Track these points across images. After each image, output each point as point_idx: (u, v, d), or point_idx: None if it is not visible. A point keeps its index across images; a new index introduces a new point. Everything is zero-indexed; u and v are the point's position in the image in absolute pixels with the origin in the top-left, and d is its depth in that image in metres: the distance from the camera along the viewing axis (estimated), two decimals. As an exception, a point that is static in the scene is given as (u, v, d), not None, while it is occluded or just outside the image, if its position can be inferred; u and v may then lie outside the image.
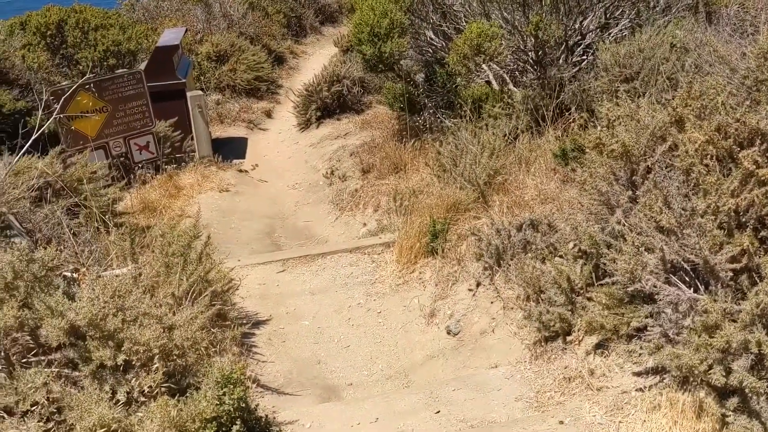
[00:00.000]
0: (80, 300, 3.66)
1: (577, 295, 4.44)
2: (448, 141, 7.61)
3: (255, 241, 7.80)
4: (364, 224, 7.54)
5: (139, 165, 9.14)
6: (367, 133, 10.31)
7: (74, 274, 4.39)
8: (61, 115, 8.54)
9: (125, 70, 9.99)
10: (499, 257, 5.07)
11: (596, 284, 4.35)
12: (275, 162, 10.50)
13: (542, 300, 4.61)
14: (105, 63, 11.00)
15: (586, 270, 4.36)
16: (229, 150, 10.67)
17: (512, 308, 4.84)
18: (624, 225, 4.06)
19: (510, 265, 4.99)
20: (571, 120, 7.80)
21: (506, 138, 7.28)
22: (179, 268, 4.73)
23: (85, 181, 6.14)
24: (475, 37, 7.74)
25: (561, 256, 4.79)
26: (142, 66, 9.83)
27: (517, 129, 7.44)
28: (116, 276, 4.51)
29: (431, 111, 9.25)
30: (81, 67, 11.18)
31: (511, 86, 9.15)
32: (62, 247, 4.66)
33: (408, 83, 9.39)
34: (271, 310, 5.54)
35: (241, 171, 9.81)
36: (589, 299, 4.25)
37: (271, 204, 9.06)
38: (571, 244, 4.86)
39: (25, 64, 10.37)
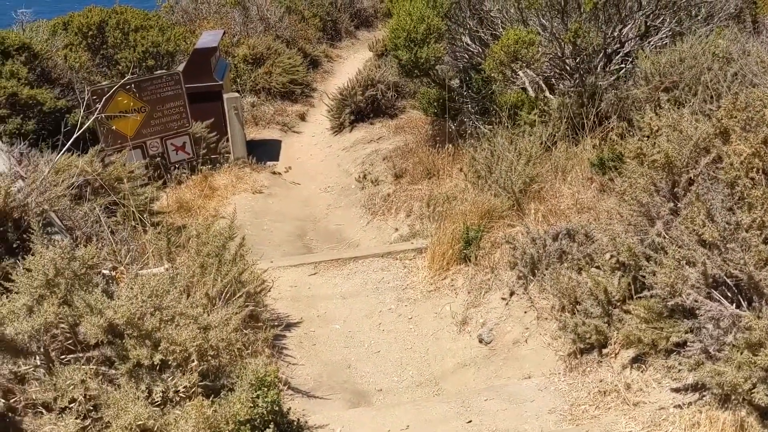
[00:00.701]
0: (119, 298, 3.67)
1: (614, 308, 4.36)
2: (483, 147, 7.56)
3: (287, 243, 7.82)
4: (396, 229, 7.52)
5: (175, 165, 9.23)
6: (400, 137, 10.29)
7: (112, 273, 4.43)
8: (102, 115, 8.67)
9: (164, 71, 10.08)
10: (533, 266, 5.01)
11: (634, 297, 4.27)
12: (308, 165, 10.53)
13: (578, 311, 4.53)
14: (144, 64, 11.15)
15: (624, 282, 4.27)
16: (263, 152, 10.72)
17: (546, 318, 4.77)
18: (665, 237, 3.98)
19: (545, 275, 4.92)
20: (609, 129, 7.70)
21: (542, 145, 7.21)
22: (214, 268, 4.74)
23: (123, 180, 6.20)
24: (512, 44, 7.68)
25: (598, 267, 4.72)
26: (181, 67, 9.92)
27: (554, 136, 7.35)
28: (153, 275, 4.54)
29: (466, 116, 9.19)
30: (120, 68, 11.35)
31: (547, 93, 9.07)
32: (101, 245, 4.70)
33: (443, 88, 9.35)
34: (302, 313, 5.54)
35: (274, 173, 9.85)
36: (627, 312, 4.17)
37: (303, 206, 9.08)
38: (608, 255, 4.78)
39: (67, 63, 10.53)
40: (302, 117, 12.53)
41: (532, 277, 5.02)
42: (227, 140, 9.81)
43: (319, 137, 11.66)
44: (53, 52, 10.54)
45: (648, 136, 4.46)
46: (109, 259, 4.69)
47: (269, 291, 5.67)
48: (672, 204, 4.13)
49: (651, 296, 3.99)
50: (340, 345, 5.20)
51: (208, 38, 10.68)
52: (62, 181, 5.12)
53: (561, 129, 7.77)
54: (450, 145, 8.48)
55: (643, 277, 4.10)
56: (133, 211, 5.79)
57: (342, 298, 5.76)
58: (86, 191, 6.01)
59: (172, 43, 11.59)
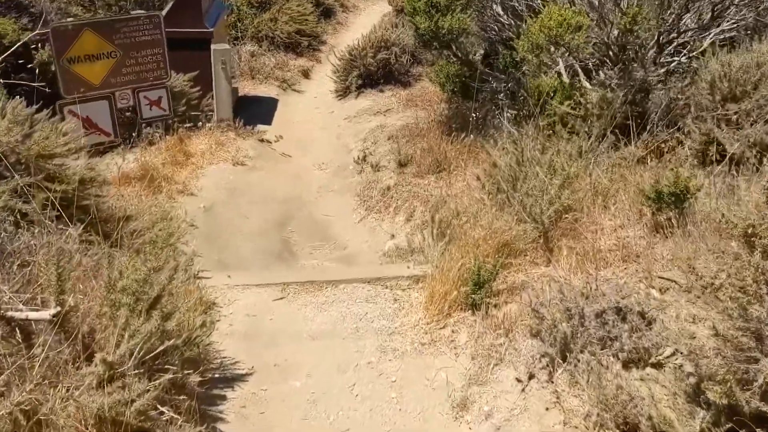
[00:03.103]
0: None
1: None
2: (507, 150, 6.03)
3: (262, 236, 6.36)
4: (392, 236, 6.05)
5: (148, 122, 7.70)
6: (410, 112, 8.72)
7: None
8: (63, 57, 7.11)
9: (142, 11, 8.42)
10: (564, 347, 3.55)
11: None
12: (304, 132, 8.98)
13: None
14: (129, 2, 9.47)
15: (708, 419, 2.83)
16: (255, 112, 9.16)
17: (577, 428, 3.35)
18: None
19: (579, 362, 3.47)
20: (662, 140, 6.14)
21: (582, 156, 5.68)
22: (122, 318, 3.29)
23: (51, 156, 4.70)
24: (554, 26, 6.05)
25: (656, 366, 3.28)
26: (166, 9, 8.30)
27: (597, 144, 5.80)
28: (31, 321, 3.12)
29: (489, 100, 7.60)
30: (104, 2, 9.70)
31: (583, 81, 7.47)
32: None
33: (466, 65, 7.73)
34: (255, 359, 4.13)
35: (262, 141, 8.31)
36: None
37: (290, 185, 7.58)
38: (668, 351, 3.33)
39: (39, -11, 8.89)
40: (306, 74, 10.90)
41: (560, 361, 3.57)
42: (212, 98, 8.24)
43: (322, 100, 10.06)
44: (24, -26, 8.88)
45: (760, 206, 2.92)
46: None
47: (216, 324, 4.25)
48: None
49: None
50: (297, 416, 3.79)
51: (202, -25, 8.99)
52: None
53: (599, 131, 6.22)
54: (467, 136, 6.93)
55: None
56: (51, 201, 4.32)
57: (311, 339, 4.34)
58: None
59: (166, -22, 9.87)
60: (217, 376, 3.94)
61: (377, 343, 4.33)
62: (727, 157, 5.74)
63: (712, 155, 5.89)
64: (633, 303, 3.49)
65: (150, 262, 3.43)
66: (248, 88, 10.02)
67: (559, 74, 7.77)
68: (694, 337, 3.26)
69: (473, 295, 4.32)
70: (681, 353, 3.29)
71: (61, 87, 7.16)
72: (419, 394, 3.93)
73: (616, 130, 6.40)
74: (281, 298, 4.72)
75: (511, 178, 5.23)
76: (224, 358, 4.09)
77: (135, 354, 3.24)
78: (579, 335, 3.52)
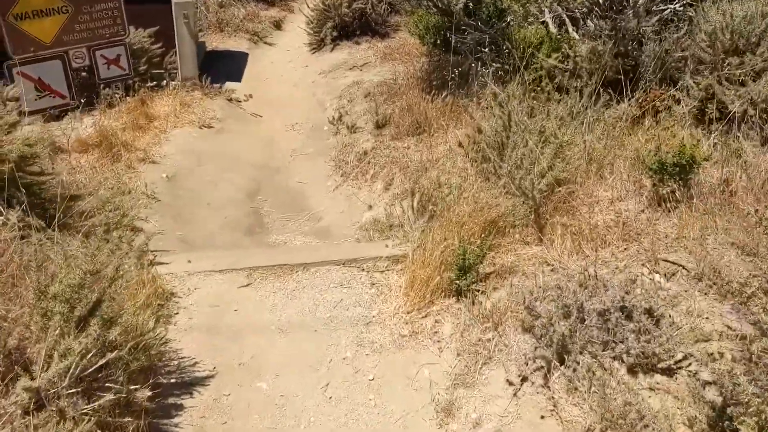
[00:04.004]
0: None
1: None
2: (491, 109, 5.48)
3: (231, 206, 5.82)
4: (370, 207, 5.53)
5: (107, 83, 7.03)
6: (388, 66, 8.08)
7: None
8: (9, 14, 6.38)
9: (94, -40, 7.61)
10: (563, 348, 3.10)
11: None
12: (276, 89, 8.34)
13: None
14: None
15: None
16: (224, 68, 8.49)
17: (577, 442, 2.93)
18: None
19: (578, 365, 3.03)
20: (654, 96, 5.61)
21: (571, 116, 5.15)
22: (57, 326, 2.78)
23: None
24: (545, -29, 5.43)
25: (666, 371, 2.84)
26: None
27: (589, 103, 5.27)
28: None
29: (470, 53, 6.99)
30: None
31: (572, 31, 6.89)
32: None
33: (446, 15, 7.10)
34: (218, 356, 3.66)
35: (231, 100, 7.68)
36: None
37: (262, 148, 7.00)
38: (679, 355, 2.89)
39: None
40: (278, 25, 10.18)
41: (557, 363, 3.12)
42: (175, 54, 7.55)
43: (295, 53, 9.38)
44: None
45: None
46: None
47: (173, 317, 3.76)
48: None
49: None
50: (264, 425, 3.35)
51: None
52: None
53: (596, 89, 5.67)
54: (448, 95, 6.35)
55: None
56: None
57: (279, 332, 3.86)
58: None
59: None
60: (173, 381, 3.46)
61: (353, 335, 3.87)
62: (728, 116, 5.26)
63: (711, 113, 5.40)
64: (639, 298, 3.03)
65: (87, 265, 2.90)
66: (216, 41, 9.30)
67: (546, 24, 7.18)
68: (708, 340, 2.82)
69: (458, 281, 3.84)
70: (694, 358, 2.85)
71: (9, 46, 6.46)
72: (400, 395, 3.49)
73: (609, 88, 5.88)
74: (247, 285, 4.22)
75: (498, 146, 4.71)
76: (182, 358, 3.61)
77: (71, 372, 2.75)
78: (578, 334, 3.07)
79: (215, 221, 5.57)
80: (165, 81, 7.42)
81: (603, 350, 3.02)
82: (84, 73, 6.98)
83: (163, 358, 3.53)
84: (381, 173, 5.82)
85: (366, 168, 6.03)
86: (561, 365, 3.10)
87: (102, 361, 2.87)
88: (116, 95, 6.98)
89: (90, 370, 2.82)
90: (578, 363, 3.03)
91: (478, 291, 3.82)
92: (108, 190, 5.08)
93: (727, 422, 2.33)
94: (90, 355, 2.78)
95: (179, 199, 5.73)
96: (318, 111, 7.67)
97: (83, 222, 4.37)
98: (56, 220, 3.80)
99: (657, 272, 3.52)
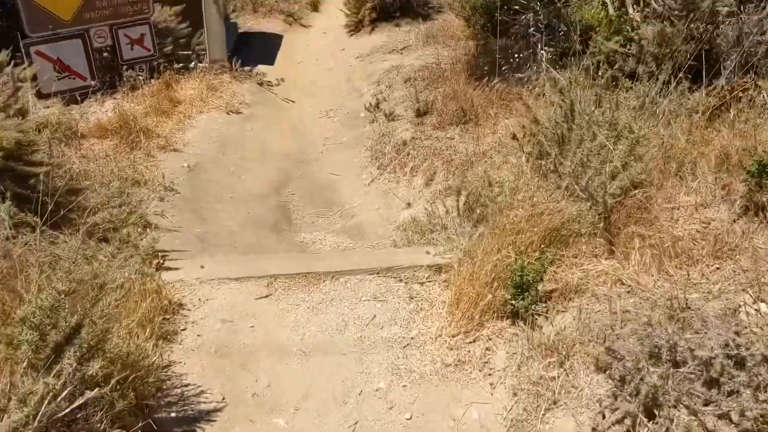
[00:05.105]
0: None
1: None
2: (546, 96, 4.78)
3: (256, 201, 5.23)
4: (408, 204, 4.88)
5: (130, 64, 6.48)
6: (431, 50, 7.39)
7: None
8: (24, -13, 5.87)
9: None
10: (653, 402, 2.42)
11: None
12: (310, 74, 7.72)
13: None
14: None
15: None
16: (256, 50, 7.90)
17: None
18: None
19: (672, 424, 2.34)
20: (740, 85, 4.82)
21: (642, 106, 4.42)
22: (24, 357, 2.20)
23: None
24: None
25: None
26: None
27: (665, 90, 4.53)
28: None
29: (522, 37, 6.26)
30: None
31: (632, 12, 6.11)
32: None
33: (496, -6, 6.37)
34: (227, 384, 3.07)
35: (262, 84, 7.08)
36: None
37: (292, 137, 6.40)
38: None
39: None
40: (314, 6, 9.54)
41: (644, 419, 2.44)
42: (204, 35, 6.97)
43: (331, 36, 8.74)
44: None
45: None
46: None
47: (179, 334, 3.18)
48: None
49: None
50: (278, 474, 2.76)
51: None
52: None
53: (675, 76, 4.90)
54: (497, 81, 5.65)
55: None
56: None
57: (301, 355, 3.26)
58: None
59: None
60: (173, 415, 2.87)
61: (388, 360, 3.24)
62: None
63: (802, 106, 4.62)
64: (754, 341, 2.33)
65: (62, 284, 2.31)
66: (250, 23, 8.72)
67: (604, 4, 6.42)
68: None
69: (513, 302, 3.18)
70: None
71: (24, 23, 5.95)
72: (442, 440, 2.85)
73: (681, 74, 5.11)
74: (267, 296, 3.61)
75: (558, 139, 4.00)
76: (186, 386, 3.02)
77: (38, 417, 2.18)
78: (670, 382, 2.39)
79: (238, 217, 4.98)
80: (192, 63, 6.85)
81: (704, 405, 2.33)
82: (106, 54, 6.45)
83: (164, 387, 2.94)
84: (421, 166, 5.15)
85: (405, 160, 5.37)
86: (649, 421, 2.42)
87: (77, 403, 2.29)
88: (140, 77, 6.42)
89: (61, 414, 2.24)
90: (672, 421, 2.35)
91: (539, 314, 3.14)
92: (120, 181, 4.51)
93: None
94: (60, 398, 2.20)
95: (200, 192, 5.16)
96: (354, 97, 7.03)
97: (86, 219, 3.81)
98: (46, 217, 3.24)
99: (763, 300, 2.80)
